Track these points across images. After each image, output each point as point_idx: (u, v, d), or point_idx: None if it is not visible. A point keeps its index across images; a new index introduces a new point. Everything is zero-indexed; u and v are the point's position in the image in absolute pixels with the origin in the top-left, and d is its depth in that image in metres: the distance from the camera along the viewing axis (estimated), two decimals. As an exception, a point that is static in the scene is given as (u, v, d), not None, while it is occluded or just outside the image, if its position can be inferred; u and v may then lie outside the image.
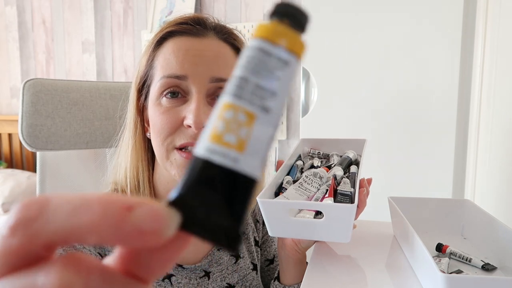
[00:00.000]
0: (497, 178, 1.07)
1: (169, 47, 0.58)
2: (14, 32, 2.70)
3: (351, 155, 0.68)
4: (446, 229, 0.70)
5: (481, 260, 0.56)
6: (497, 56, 1.12)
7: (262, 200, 0.51)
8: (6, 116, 2.66)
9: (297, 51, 0.18)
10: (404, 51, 1.38)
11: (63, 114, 0.89)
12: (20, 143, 2.45)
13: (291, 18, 0.18)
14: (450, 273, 0.54)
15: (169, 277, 0.61)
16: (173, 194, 0.17)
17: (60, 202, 0.15)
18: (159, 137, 0.57)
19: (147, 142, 0.63)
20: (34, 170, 2.48)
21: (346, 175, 0.62)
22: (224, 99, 0.18)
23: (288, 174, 0.65)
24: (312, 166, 0.67)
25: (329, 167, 0.65)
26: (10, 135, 2.61)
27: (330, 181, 0.59)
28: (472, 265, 0.57)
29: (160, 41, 0.59)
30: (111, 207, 0.15)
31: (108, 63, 2.51)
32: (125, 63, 2.48)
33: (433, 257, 0.52)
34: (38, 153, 0.90)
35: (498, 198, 1.05)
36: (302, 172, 0.66)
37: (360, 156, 0.68)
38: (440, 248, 0.61)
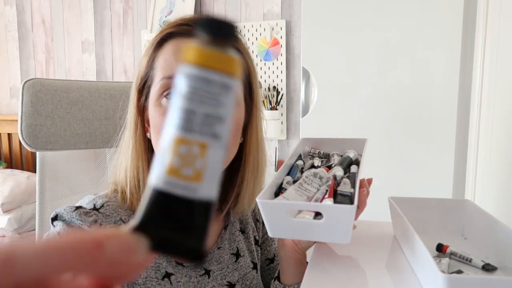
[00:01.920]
0: (497, 178, 1.07)
1: (169, 48, 0.58)
2: (14, 32, 2.69)
3: (352, 155, 0.68)
4: (446, 229, 0.69)
5: (482, 260, 0.56)
6: (497, 56, 1.12)
7: (261, 200, 0.51)
8: (6, 116, 2.66)
9: (233, 71, 0.18)
10: (404, 51, 1.38)
11: (62, 114, 0.89)
12: (20, 143, 2.45)
13: (220, 35, 0.18)
14: (451, 273, 0.54)
15: (168, 276, 0.61)
16: (137, 221, 0.18)
17: (25, 250, 0.15)
18: (160, 138, 0.57)
19: (147, 142, 0.63)
20: (34, 170, 2.48)
21: (347, 175, 0.62)
22: (174, 133, 0.18)
23: (288, 174, 0.64)
24: (313, 166, 0.67)
25: (330, 167, 0.65)
26: (9, 135, 2.61)
27: (330, 181, 0.59)
28: (473, 265, 0.57)
29: (160, 43, 0.59)
30: (83, 247, 0.16)
31: (108, 63, 2.51)
32: (125, 63, 2.47)
33: (433, 257, 0.52)
34: (37, 153, 0.90)
35: (498, 198, 1.05)
36: (302, 172, 0.65)
37: (361, 155, 0.68)
38: (440, 248, 0.61)
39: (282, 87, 2.10)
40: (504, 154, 1.02)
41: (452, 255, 0.59)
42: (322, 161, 0.70)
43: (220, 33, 0.18)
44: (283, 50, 2.08)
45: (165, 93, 0.57)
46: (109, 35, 2.50)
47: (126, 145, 0.63)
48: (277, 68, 2.11)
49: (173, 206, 0.18)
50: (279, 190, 0.59)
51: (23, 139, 0.85)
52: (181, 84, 0.18)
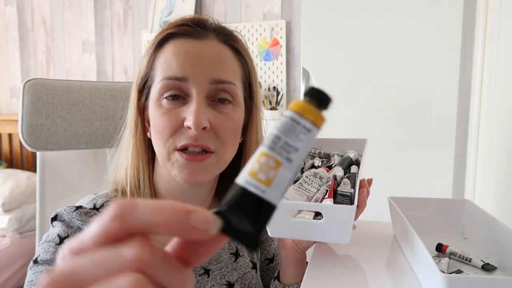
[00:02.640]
0: (497, 178, 1.07)
1: (169, 49, 0.58)
2: (14, 32, 2.70)
3: (352, 155, 0.68)
4: (446, 229, 0.70)
5: (481, 260, 0.56)
6: (497, 56, 1.12)
7: None
8: (6, 116, 2.66)
9: (318, 123, 0.25)
10: (404, 51, 1.38)
11: (63, 114, 0.89)
12: (20, 143, 2.45)
13: (317, 100, 0.25)
14: (450, 273, 0.54)
15: None
16: (219, 207, 0.24)
17: (143, 204, 0.22)
18: (160, 138, 0.57)
19: (148, 142, 0.63)
20: (34, 170, 2.48)
21: (347, 175, 0.62)
22: (262, 149, 0.25)
23: None
24: (313, 166, 0.67)
25: (330, 167, 0.65)
26: (10, 135, 2.61)
27: (330, 181, 0.59)
28: (472, 265, 0.57)
29: (160, 43, 0.59)
30: (178, 211, 0.21)
31: (108, 63, 2.51)
32: (125, 63, 2.48)
33: (433, 257, 0.52)
34: (38, 153, 0.90)
35: (498, 198, 1.05)
36: (302, 172, 0.65)
37: (361, 156, 0.68)
38: (440, 248, 0.61)
39: (282, 87, 2.10)
40: (504, 154, 1.02)
41: (452, 255, 0.59)
42: (322, 161, 0.70)
43: (320, 99, 0.26)
44: (283, 50, 2.09)
45: (165, 94, 0.57)
46: (109, 35, 2.50)
47: (127, 145, 0.64)
48: (277, 68, 2.11)
49: (245, 199, 0.24)
50: None
51: (24, 139, 0.85)
52: (281, 120, 0.26)
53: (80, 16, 2.54)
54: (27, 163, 2.62)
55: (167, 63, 0.57)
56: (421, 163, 1.39)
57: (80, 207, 0.59)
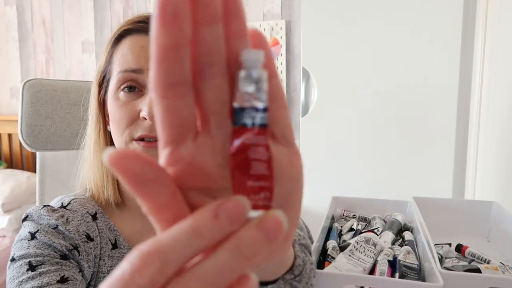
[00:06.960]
0: (497, 178, 1.07)
1: (126, 43, 0.60)
2: (14, 32, 2.70)
3: (399, 218, 0.61)
4: (472, 230, 0.68)
5: (501, 263, 0.56)
6: (497, 56, 1.12)
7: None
8: (6, 116, 2.66)
9: None
10: (404, 51, 1.38)
11: (62, 114, 0.89)
12: (20, 143, 2.44)
13: None
14: (466, 270, 0.53)
15: None
16: None
17: (172, 243, 0.18)
18: (118, 129, 0.59)
19: (109, 136, 0.64)
20: (34, 170, 2.48)
21: (399, 243, 0.55)
22: None
23: (327, 237, 0.58)
24: (351, 229, 0.61)
25: (373, 231, 0.58)
26: (10, 135, 2.61)
27: (386, 249, 0.51)
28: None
29: (118, 39, 0.61)
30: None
31: (108, 63, 2.51)
32: (125, 63, 2.47)
33: (453, 257, 0.52)
34: (38, 153, 0.90)
35: (498, 198, 1.05)
36: (341, 235, 0.59)
37: (409, 221, 0.60)
38: (459, 248, 0.60)
39: (282, 87, 2.10)
40: (504, 154, 1.02)
41: (472, 256, 0.58)
42: (360, 224, 0.63)
43: None
44: (283, 50, 2.08)
45: (122, 86, 0.59)
46: (109, 35, 2.49)
47: (89, 140, 0.65)
48: (277, 68, 2.10)
49: None
50: (324, 257, 0.52)
51: (23, 139, 0.85)
52: None
53: (80, 16, 2.54)
54: (27, 163, 2.62)
55: (124, 57, 0.59)
56: (421, 163, 1.39)
57: (48, 205, 0.61)
